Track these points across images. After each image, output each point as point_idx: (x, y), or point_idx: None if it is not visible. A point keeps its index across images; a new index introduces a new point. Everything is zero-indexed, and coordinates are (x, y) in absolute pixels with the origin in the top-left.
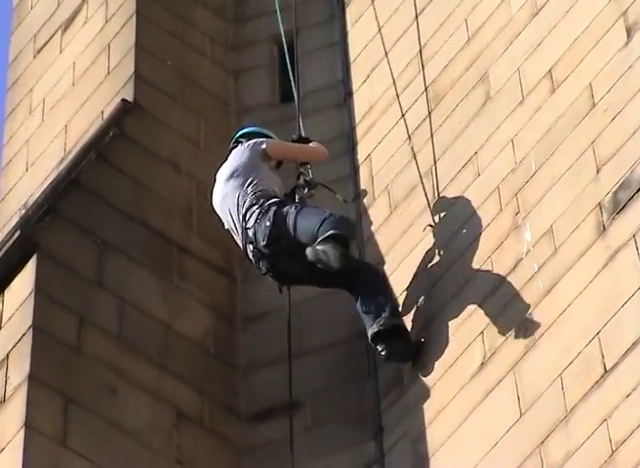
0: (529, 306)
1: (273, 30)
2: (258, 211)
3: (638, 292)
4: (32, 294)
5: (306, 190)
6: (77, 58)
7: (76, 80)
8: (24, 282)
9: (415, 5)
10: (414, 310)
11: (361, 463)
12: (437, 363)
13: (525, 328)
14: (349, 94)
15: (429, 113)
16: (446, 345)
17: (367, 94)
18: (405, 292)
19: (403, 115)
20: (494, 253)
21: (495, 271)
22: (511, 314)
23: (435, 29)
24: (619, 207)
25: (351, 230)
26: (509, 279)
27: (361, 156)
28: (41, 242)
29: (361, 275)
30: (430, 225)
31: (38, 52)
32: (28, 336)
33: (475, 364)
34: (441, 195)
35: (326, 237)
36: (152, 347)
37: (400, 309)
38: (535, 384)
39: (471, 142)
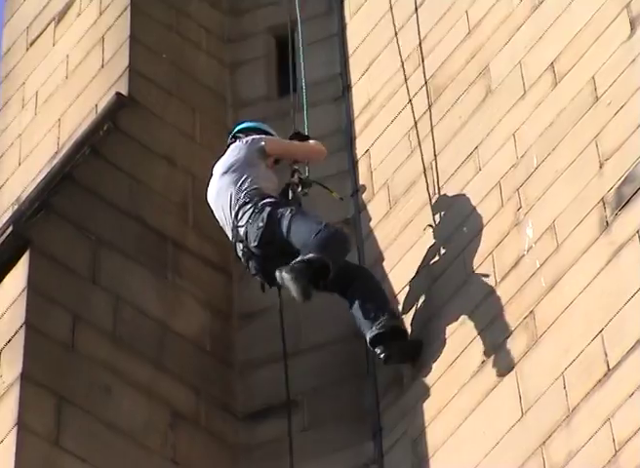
0: (531, 303)
1: (270, 22)
2: (251, 210)
3: None
4: (25, 291)
5: (300, 189)
6: (71, 50)
7: (70, 73)
8: (17, 278)
9: None
10: (414, 308)
11: (359, 463)
12: (437, 361)
13: (526, 325)
14: (348, 87)
15: (429, 107)
16: (446, 343)
17: (366, 87)
18: (405, 289)
19: (402, 109)
20: (495, 250)
21: (496, 268)
22: (513, 311)
23: (435, 22)
24: (622, 202)
25: (344, 246)
26: (511, 275)
27: (360, 151)
28: (34, 238)
29: (355, 281)
30: (430, 225)
31: (31, 44)
32: (21, 334)
33: (476, 362)
34: (441, 191)
35: (300, 261)
36: (147, 345)
37: (400, 307)
38: (536, 383)
39: (472, 137)
